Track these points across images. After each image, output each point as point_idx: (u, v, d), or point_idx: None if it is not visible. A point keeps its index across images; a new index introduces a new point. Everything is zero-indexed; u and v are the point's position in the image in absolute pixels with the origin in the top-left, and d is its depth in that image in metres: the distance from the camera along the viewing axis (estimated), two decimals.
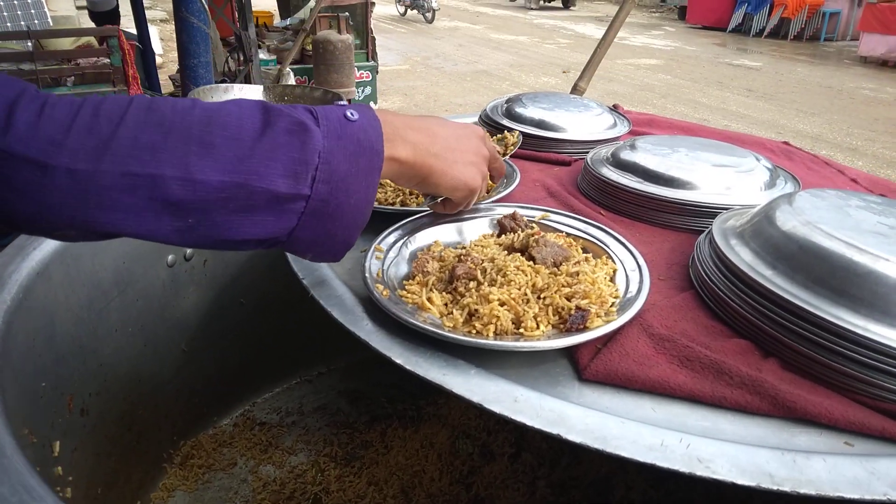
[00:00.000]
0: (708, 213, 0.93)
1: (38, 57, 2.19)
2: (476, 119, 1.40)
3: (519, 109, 1.30)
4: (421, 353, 0.65)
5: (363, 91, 5.67)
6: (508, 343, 0.63)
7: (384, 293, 0.70)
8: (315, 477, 1.26)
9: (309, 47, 5.11)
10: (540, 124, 1.26)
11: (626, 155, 1.05)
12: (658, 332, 0.69)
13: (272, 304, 1.36)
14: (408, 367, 0.63)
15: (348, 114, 0.60)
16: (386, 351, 0.65)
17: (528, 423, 0.57)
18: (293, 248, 0.60)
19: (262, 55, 5.14)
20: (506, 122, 1.27)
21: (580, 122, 1.27)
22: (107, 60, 2.34)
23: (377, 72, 5.95)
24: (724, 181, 0.97)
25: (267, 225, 0.56)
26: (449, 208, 0.82)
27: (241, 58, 4.79)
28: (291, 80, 4.89)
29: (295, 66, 5.15)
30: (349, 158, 0.58)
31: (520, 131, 1.08)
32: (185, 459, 1.27)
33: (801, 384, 0.64)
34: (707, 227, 0.93)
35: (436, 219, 0.87)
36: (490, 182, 0.97)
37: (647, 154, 1.03)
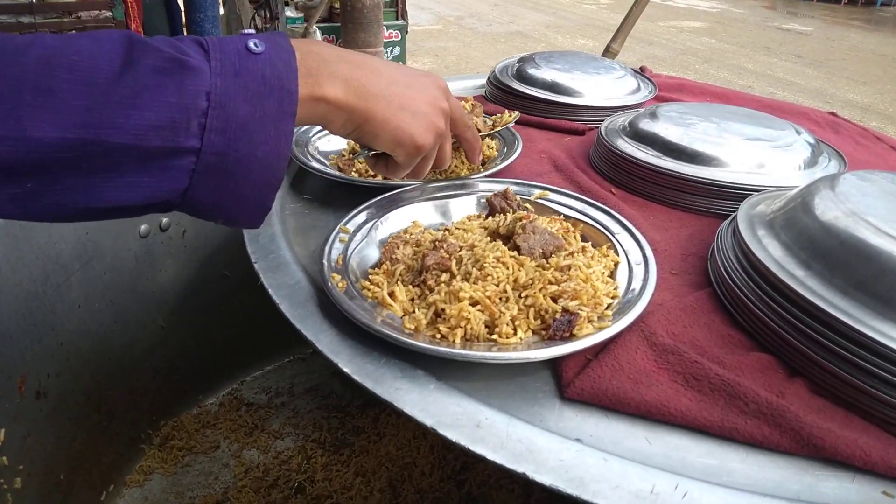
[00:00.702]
0: (735, 195, 0.81)
1: (38, 9, 2.11)
2: (484, 80, 1.27)
3: (531, 70, 1.17)
4: (374, 360, 0.55)
5: (392, 51, 5.51)
6: (475, 353, 0.52)
7: (340, 285, 0.60)
8: (301, 464, 1.18)
9: (337, 5, 4.97)
10: (553, 87, 1.13)
11: (645, 125, 0.92)
12: (662, 342, 0.58)
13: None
14: (355, 377, 0.53)
15: (251, 45, 0.48)
16: (332, 355, 0.55)
17: (489, 456, 0.47)
18: (193, 212, 0.50)
19: (289, 13, 5.01)
20: (515, 85, 1.15)
21: (598, 86, 1.13)
22: (109, 13, 2.25)
23: (407, 31, 5.76)
24: (757, 157, 0.84)
25: (144, 188, 0.45)
26: (392, 170, 0.67)
27: (268, 15, 4.67)
28: (318, 39, 4.77)
29: (322, 25, 5.01)
30: (251, 100, 0.47)
31: (518, 112, 0.95)
32: (164, 440, 1.20)
33: (832, 414, 0.52)
34: (734, 212, 0.81)
35: (417, 195, 0.76)
36: (465, 160, 0.85)
37: (669, 124, 0.90)
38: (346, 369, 0.54)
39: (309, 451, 1.21)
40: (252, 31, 0.68)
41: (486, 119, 0.95)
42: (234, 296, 1.26)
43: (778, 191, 0.76)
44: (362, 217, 0.71)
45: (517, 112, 0.94)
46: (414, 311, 0.58)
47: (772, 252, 0.62)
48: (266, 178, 0.50)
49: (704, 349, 0.58)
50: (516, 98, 1.14)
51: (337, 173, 0.83)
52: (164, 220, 1.09)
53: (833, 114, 1.28)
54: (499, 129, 0.88)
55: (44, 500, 0.89)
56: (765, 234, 0.65)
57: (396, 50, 5.57)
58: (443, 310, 0.57)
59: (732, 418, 0.51)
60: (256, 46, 0.48)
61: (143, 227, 1.07)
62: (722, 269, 0.66)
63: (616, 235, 0.69)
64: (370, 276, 0.63)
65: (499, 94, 1.18)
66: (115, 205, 0.45)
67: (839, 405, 0.53)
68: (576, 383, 0.53)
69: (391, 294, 0.60)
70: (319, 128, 0.95)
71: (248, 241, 0.71)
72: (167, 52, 0.44)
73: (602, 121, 1.10)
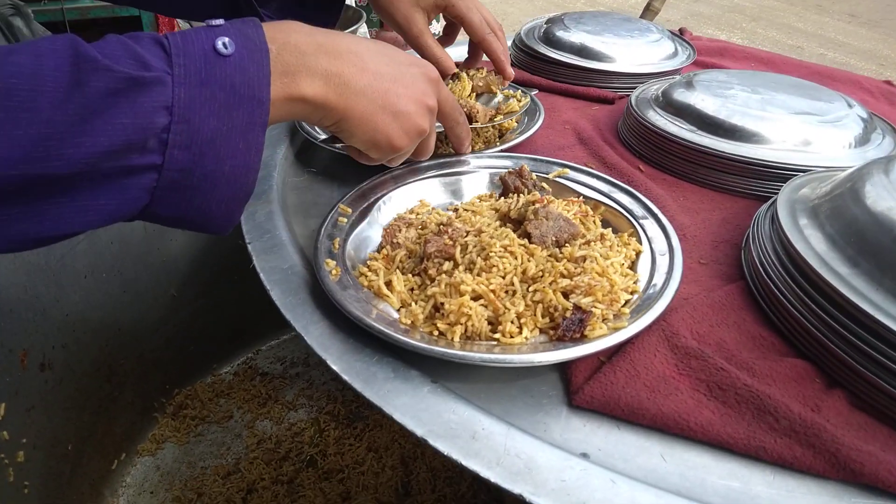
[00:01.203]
0: (776, 175, 0.73)
1: None
2: (510, 43, 1.20)
3: (559, 33, 1.09)
4: (366, 358, 0.50)
5: None
6: (473, 354, 0.47)
7: (334, 272, 0.55)
8: (313, 437, 1.17)
9: None
10: (581, 52, 1.05)
11: (680, 94, 0.85)
12: (684, 344, 0.52)
13: None
14: (344, 376, 0.49)
15: (220, 45, 0.43)
16: (321, 350, 0.51)
17: (483, 473, 0.42)
18: (155, 222, 0.46)
19: None
20: (541, 49, 1.07)
21: (631, 51, 1.05)
22: None
23: None
24: (803, 134, 0.76)
25: (100, 211, 0.41)
26: (364, 160, 0.63)
27: None
28: None
29: None
30: (218, 112, 0.42)
31: (532, 94, 0.88)
32: (178, 409, 1.20)
33: (875, 434, 0.47)
34: (774, 195, 0.74)
35: (426, 171, 0.71)
36: (480, 134, 0.79)
37: (706, 94, 0.82)
38: (334, 367, 0.49)
39: (322, 424, 1.20)
40: (221, 22, 0.62)
41: (504, 90, 0.88)
42: (249, 264, 1.23)
43: (824, 172, 0.69)
44: (365, 195, 0.66)
45: (527, 98, 0.86)
46: (412, 304, 0.54)
47: (814, 245, 0.55)
48: (233, 192, 0.46)
49: (733, 353, 0.53)
50: (542, 63, 1.06)
51: (341, 146, 0.77)
52: None
53: (889, 82, 1.17)
54: (498, 120, 0.79)
55: (50, 472, 0.89)
56: (807, 224, 0.58)
57: None
58: (442, 304, 0.52)
59: (760, 435, 0.46)
60: (226, 48, 0.43)
61: None
62: (757, 262, 0.59)
63: (640, 221, 0.63)
64: (369, 262, 0.58)
65: (524, 58, 1.10)
66: (68, 231, 0.41)
67: (883, 423, 0.47)
68: (585, 390, 0.48)
69: (388, 283, 0.55)
70: None
71: (244, 220, 0.67)
72: (119, 72, 0.39)
73: (634, 88, 1.02)
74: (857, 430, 0.47)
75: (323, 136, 0.79)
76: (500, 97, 0.86)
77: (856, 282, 0.51)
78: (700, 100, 0.82)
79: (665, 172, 0.81)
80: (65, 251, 0.90)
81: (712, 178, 0.77)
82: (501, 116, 0.80)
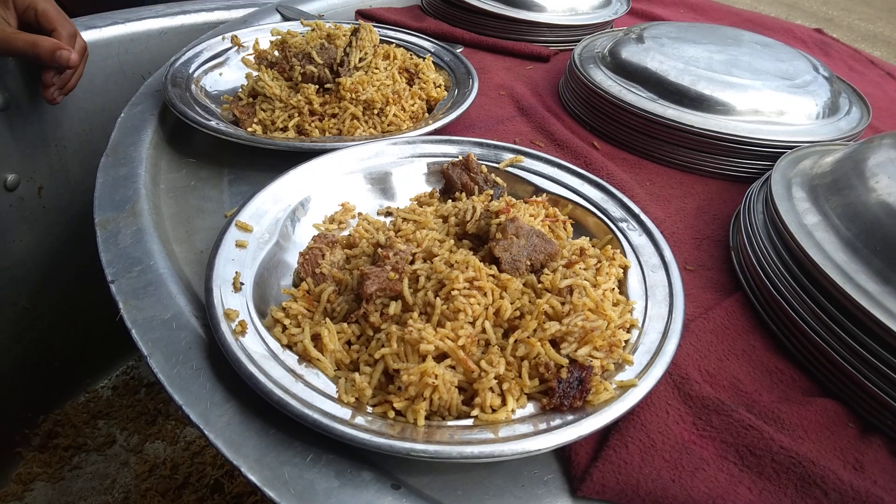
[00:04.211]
0: (749, 153, 0.64)
1: None
2: None
3: None
4: (296, 457, 0.36)
5: None
6: (448, 448, 0.34)
7: (237, 328, 0.40)
8: (216, 457, 1.01)
9: None
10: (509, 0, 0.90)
11: (631, 53, 0.73)
12: (698, 392, 0.42)
13: None
14: (268, 490, 0.35)
15: None
16: (231, 452, 0.36)
17: None
18: None
19: None
20: None
21: None
22: None
23: None
24: (775, 102, 0.67)
25: None
26: None
27: None
28: None
29: None
30: None
31: (457, 51, 0.74)
32: (46, 439, 0.99)
33: None
34: (750, 173, 0.65)
35: (347, 161, 0.55)
36: (406, 108, 0.66)
37: (663, 56, 0.71)
38: (251, 477, 0.35)
39: None
40: None
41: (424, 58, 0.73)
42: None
43: (809, 148, 0.60)
44: (268, 202, 0.50)
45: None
46: (354, 367, 0.40)
47: (831, 253, 0.46)
48: None
49: (752, 396, 0.43)
50: (462, 12, 0.91)
51: (230, 130, 0.60)
52: (10, 177, 0.83)
53: (820, 31, 1.12)
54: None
55: None
56: (818, 225, 0.49)
57: None
58: (397, 371, 0.38)
59: None
60: None
61: None
62: (759, 270, 0.50)
63: (619, 224, 0.51)
64: (285, 305, 0.43)
65: (441, 5, 0.94)
66: None
67: None
68: (594, 475, 0.37)
69: (316, 339, 0.41)
70: (204, 58, 0.71)
71: (102, 244, 0.49)
72: None
73: (569, 43, 0.90)
74: None
75: (200, 113, 0.61)
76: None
77: (890, 302, 0.42)
78: (657, 62, 0.70)
79: (623, 150, 0.69)
80: None
81: (678, 156, 0.67)
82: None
